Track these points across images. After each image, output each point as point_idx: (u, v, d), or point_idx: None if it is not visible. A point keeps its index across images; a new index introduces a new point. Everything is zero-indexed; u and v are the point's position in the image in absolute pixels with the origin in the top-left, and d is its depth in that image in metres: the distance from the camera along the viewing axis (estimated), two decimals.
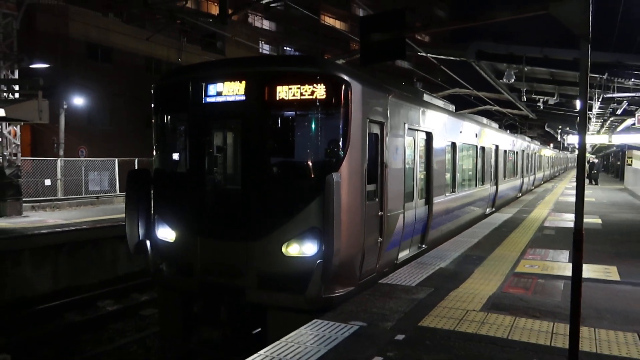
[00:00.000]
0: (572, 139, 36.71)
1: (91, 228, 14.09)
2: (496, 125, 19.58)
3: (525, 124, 41.13)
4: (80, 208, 19.62)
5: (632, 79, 13.44)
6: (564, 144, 53.00)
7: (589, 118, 21.35)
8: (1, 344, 9.07)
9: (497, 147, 17.18)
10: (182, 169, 7.49)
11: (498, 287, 7.25)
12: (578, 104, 5.90)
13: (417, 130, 9.23)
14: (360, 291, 6.86)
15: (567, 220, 14.70)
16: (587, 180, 31.94)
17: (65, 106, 24.06)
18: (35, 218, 15.96)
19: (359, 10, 58.34)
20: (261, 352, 4.83)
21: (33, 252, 12.36)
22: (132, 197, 7.47)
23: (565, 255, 9.54)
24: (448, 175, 11.40)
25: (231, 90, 6.78)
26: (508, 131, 25.40)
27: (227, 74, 6.92)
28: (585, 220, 4.51)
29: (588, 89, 4.49)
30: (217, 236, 6.84)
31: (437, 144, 10.23)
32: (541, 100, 22.17)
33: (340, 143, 6.47)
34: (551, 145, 54.08)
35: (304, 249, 6.33)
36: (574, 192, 4.44)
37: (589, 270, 8.14)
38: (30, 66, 19.55)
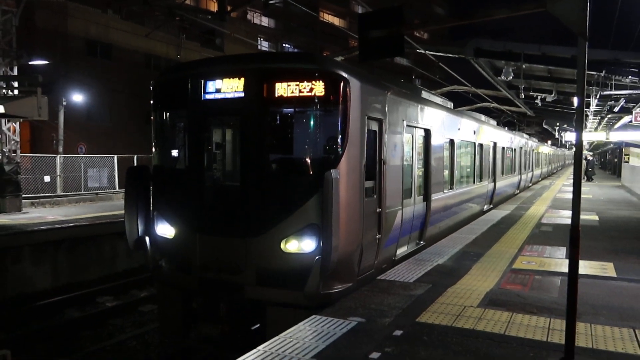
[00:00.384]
0: (570, 136, 36.80)
1: (90, 224, 14.11)
2: (494, 123, 19.61)
3: (523, 121, 41.24)
4: (79, 204, 19.63)
5: (630, 77, 13.47)
6: (561, 141, 53.12)
7: (587, 115, 21.38)
8: (1, 339, 9.10)
9: (495, 144, 17.21)
10: (181, 165, 7.51)
11: (495, 283, 7.29)
12: (575, 101, 5.93)
13: (416, 127, 9.25)
14: (359, 287, 6.90)
15: (565, 217, 14.75)
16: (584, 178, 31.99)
17: (64, 103, 24.05)
18: (35, 214, 15.97)
19: (357, 7, 58.27)
20: (260, 347, 4.87)
21: (33, 248, 12.39)
22: (131, 194, 7.49)
23: (562, 251, 9.59)
24: (446, 172, 11.44)
25: (230, 87, 6.80)
26: (506, 128, 25.44)
27: (226, 71, 6.93)
28: (582, 217, 4.54)
29: (585, 86, 4.51)
30: (216, 233, 6.87)
31: (435, 141, 10.26)
32: (539, 97, 22.23)
33: (339, 140, 6.50)
34: (549, 142, 54.19)
35: (302, 245, 6.36)
36: (572, 189, 4.47)
37: (585, 267, 8.19)
38: (30, 63, 19.51)
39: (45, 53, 23.00)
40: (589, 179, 33.85)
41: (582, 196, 4.61)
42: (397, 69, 63.09)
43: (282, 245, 6.42)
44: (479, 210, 15.64)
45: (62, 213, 16.38)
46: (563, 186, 29.45)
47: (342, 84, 6.46)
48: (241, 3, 17.07)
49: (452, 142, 11.77)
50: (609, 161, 55.80)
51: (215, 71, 7.05)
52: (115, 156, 22.39)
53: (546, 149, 44.11)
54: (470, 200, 14.25)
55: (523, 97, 20.99)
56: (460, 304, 6.27)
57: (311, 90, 6.35)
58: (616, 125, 24.36)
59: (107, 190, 22.12)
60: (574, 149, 4.75)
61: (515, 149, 22.35)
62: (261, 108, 6.68)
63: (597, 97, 15.78)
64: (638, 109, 16.92)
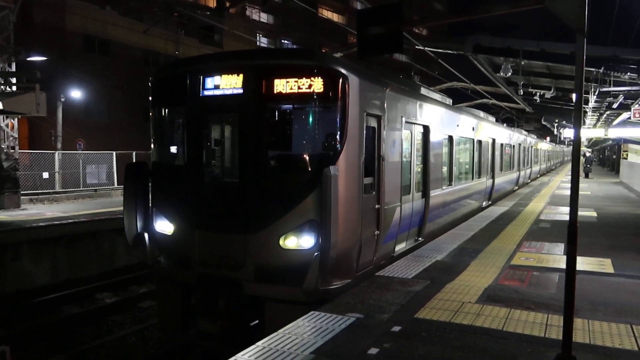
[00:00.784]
0: (569, 133, 36.80)
1: (89, 221, 14.11)
2: (493, 119, 19.61)
3: (522, 118, 41.23)
4: (78, 201, 19.63)
5: (628, 73, 13.48)
6: (560, 138, 53.11)
7: (585, 112, 21.42)
8: (1, 336, 9.12)
9: (494, 140, 17.22)
10: (180, 162, 7.50)
11: (494, 279, 7.31)
12: (574, 97, 5.94)
13: (415, 123, 9.25)
14: (358, 283, 6.92)
15: (563, 213, 14.78)
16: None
17: (62, 99, 24.00)
18: (33, 211, 15.97)
19: (356, 3, 58.15)
20: (259, 343, 4.88)
21: (31, 245, 12.39)
22: (130, 190, 7.49)
23: (560, 248, 9.61)
24: (445, 169, 11.45)
25: (229, 83, 6.79)
26: (505, 125, 25.45)
27: (225, 67, 6.92)
28: (580, 213, 4.56)
29: (584, 83, 4.52)
30: (215, 229, 6.87)
31: (434, 137, 10.26)
32: (538, 93, 22.19)
33: (338, 136, 6.50)
34: (547, 138, 54.20)
35: (301, 241, 6.37)
36: (570, 185, 4.48)
37: (583, 263, 8.21)
38: (28, 59, 19.43)
39: (43, 49, 22.91)
40: (587, 175, 33.92)
41: (580, 193, 4.62)
42: (396, 65, 63.00)
43: (280, 242, 6.43)
44: (478, 207, 15.66)
45: (61, 209, 16.37)
46: (561, 182, 29.48)
47: (340, 80, 6.46)
48: None
49: (450, 138, 11.77)
50: (608, 158, 55.86)
51: (214, 67, 7.04)
52: (114, 152, 22.38)
53: (545, 145, 44.15)
54: (469, 197, 14.27)
55: (522, 93, 20.99)
56: (458, 300, 6.29)
57: (310, 86, 6.35)
58: (615, 122, 24.42)
59: (106, 187, 22.12)
60: (573, 145, 4.76)
61: (514, 146, 22.37)
62: (260, 104, 6.68)
63: (596, 93, 15.81)
64: (637, 106, 16.94)
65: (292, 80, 6.39)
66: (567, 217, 4.59)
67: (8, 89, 16.30)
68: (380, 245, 7.67)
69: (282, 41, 52.03)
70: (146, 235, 7.47)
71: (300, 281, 6.15)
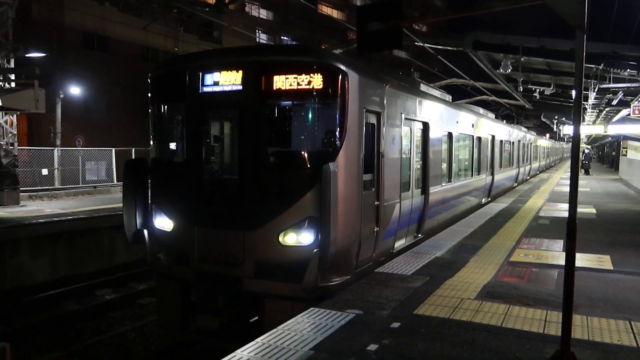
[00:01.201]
0: (568, 130, 36.80)
1: (88, 217, 14.11)
2: (492, 116, 19.62)
3: (522, 114, 41.24)
4: (77, 198, 19.62)
5: (628, 70, 13.46)
6: (559, 135, 53.13)
7: (585, 108, 21.40)
8: (0, 332, 9.12)
9: (493, 137, 17.22)
10: (180, 158, 7.50)
11: (493, 275, 7.33)
12: (574, 94, 5.93)
13: (414, 120, 9.25)
14: (357, 280, 6.92)
15: (562, 210, 14.80)
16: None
17: (61, 95, 23.95)
18: (33, 207, 15.96)
19: None
20: (258, 339, 4.90)
21: (31, 241, 12.39)
22: (129, 187, 7.48)
23: (559, 244, 9.62)
24: (444, 165, 11.45)
25: (228, 80, 6.78)
26: (504, 121, 25.44)
27: (224, 64, 6.91)
28: (579, 210, 4.56)
29: (583, 79, 4.52)
30: (215, 225, 6.88)
31: (433, 134, 10.26)
32: (537, 90, 22.19)
33: (337, 133, 6.50)
34: (547, 135, 54.23)
35: (300, 238, 6.37)
36: (569, 182, 4.48)
37: (582, 259, 8.22)
38: (26, 55, 19.39)
39: (42, 45, 22.83)
40: (587, 172, 33.92)
41: (580, 189, 4.63)
42: (395, 61, 62.90)
43: (280, 238, 6.43)
44: (477, 203, 15.68)
45: (60, 206, 16.37)
46: (561, 179, 29.51)
47: (340, 76, 6.45)
48: None
49: (450, 135, 11.77)
50: (607, 154, 55.87)
51: (213, 64, 7.03)
52: (113, 149, 22.35)
53: (544, 142, 44.17)
54: (469, 193, 14.28)
55: (521, 90, 20.99)
56: (457, 296, 6.30)
57: (309, 83, 6.35)
58: (614, 119, 24.37)
59: (105, 184, 22.12)
60: (572, 142, 4.76)
61: (513, 142, 22.37)
62: (259, 101, 6.68)
63: (596, 90, 15.78)
64: (636, 102, 16.92)
65: (291, 77, 6.38)
66: (566, 214, 4.60)
67: (7, 85, 16.26)
68: (379, 242, 7.68)
69: (282, 38, 51.91)
70: (145, 232, 7.48)
71: (299, 278, 6.16)
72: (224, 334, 6.73)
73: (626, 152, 29.81)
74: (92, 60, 28.95)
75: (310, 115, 6.69)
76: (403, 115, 8.52)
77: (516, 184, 24.27)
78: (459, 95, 25.75)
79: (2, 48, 16.21)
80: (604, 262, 8.31)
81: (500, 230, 11.32)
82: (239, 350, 4.62)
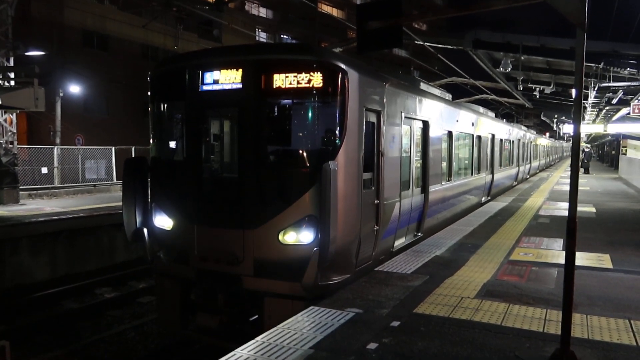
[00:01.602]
0: (568, 128, 36.81)
1: (88, 216, 14.10)
2: (492, 114, 19.61)
3: (522, 113, 41.25)
4: (77, 196, 19.61)
5: (628, 68, 13.45)
6: (559, 133, 53.14)
7: (585, 107, 21.39)
8: (0, 330, 9.12)
9: (493, 136, 17.22)
10: (179, 157, 7.49)
11: (492, 274, 7.33)
12: (573, 93, 5.93)
13: (414, 118, 9.25)
14: (357, 278, 6.92)
15: (562, 208, 14.80)
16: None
17: (61, 94, 23.93)
18: (32, 206, 15.95)
19: None
20: (258, 338, 4.89)
21: (31, 240, 12.39)
22: (129, 186, 7.48)
23: (559, 243, 9.62)
24: (444, 164, 11.44)
25: (228, 78, 6.77)
26: (504, 120, 25.44)
27: (224, 62, 6.90)
28: (579, 208, 4.56)
29: (583, 78, 4.51)
30: (214, 224, 6.87)
31: (433, 132, 10.26)
32: (537, 89, 22.18)
33: (337, 131, 6.49)
34: (547, 134, 54.23)
35: (300, 236, 6.37)
36: (569, 181, 4.48)
37: (582, 258, 8.22)
38: (26, 54, 19.40)
39: (41, 44, 22.86)
40: (586, 170, 33.93)
41: (580, 188, 4.62)
42: (395, 60, 62.88)
43: (280, 237, 6.43)
44: (477, 202, 15.68)
45: (60, 205, 16.36)
46: (560, 178, 29.50)
47: (340, 75, 6.44)
48: None
49: (450, 134, 11.77)
50: (607, 153, 55.88)
51: (213, 62, 7.02)
52: (113, 148, 22.34)
53: (544, 141, 44.17)
54: (468, 192, 14.28)
55: (521, 89, 20.97)
56: (457, 295, 6.30)
57: (309, 81, 6.34)
58: (614, 118, 24.37)
59: (105, 182, 22.10)
60: (572, 141, 4.75)
61: (513, 141, 22.36)
62: (259, 99, 6.67)
63: (596, 89, 15.78)
64: (636, 101, 16.92)
65: (291, 75, 6.37)
66: (566, 213, 4.60)
67: (6, 83, 16.25)
68: (379, 241, 7.68)
69: (282, 36, 51.87)
70: (145, 230, 7.48)
71: (299, 276, 6.16)
72: (224, 332, 6.73)
73: (626, 151, 29.82)
74: (91, 59, 28.92)
75: (310, 114, 6.69)
76: (403, 114, 8.51)
77: (516, 183, 24.27)
78: (459, 94, 25.70)
79: (1, 46, 16.20)
80: (603, 261, 8.31)
81: (500, 229, 11.32)
82: (239, 349, 4.62)
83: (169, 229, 7.31)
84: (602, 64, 13.40)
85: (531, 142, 30.70)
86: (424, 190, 9.86)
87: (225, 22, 22.53)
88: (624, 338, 4.93)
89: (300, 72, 6.35)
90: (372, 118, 7.34)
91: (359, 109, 6.78)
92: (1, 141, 16.44)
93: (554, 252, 8.92)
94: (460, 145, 13.22)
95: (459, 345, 4.72)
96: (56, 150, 20.57)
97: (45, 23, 26.94)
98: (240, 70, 6.70)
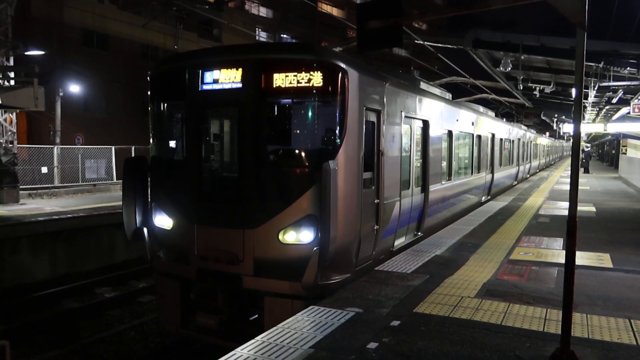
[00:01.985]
0: (568, 128, 36.83)
1: (88, 216, 14.10)
2: (492, 114, 19.60)
3: (522, 113, 41.25)
4: (77, 196, 19.61)
5: (628, 68, 13.46)
6: (559, 133, 53.13)
7: (585, 107, 21.39)
8: (0, 330, 9.12)
9: (493, 135, 17.21)
10: (179, 156, 7.49)
11: (492, 274, 7.32)
12: (574, 92, 5.93)
13: (414, 118, 9.24)
14: (357, 278, 6.92)
15: (562, 208, 14.80)
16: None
17: (61, 93, 23.93)
18: (32, 206, 15.95)
19: None
20: (258, 337, 4.89)
21: (31, 239, 12.39)
22: (129, 185, 7.47)
23: (559, 242, 9.62)
24: (444, 164, 11.44)
25: (228, 78, 6.77)
26: (504, 119, 25.45)
27: (224, 61, 6.89)
28: (579, 208, 4.55)
29: (584, 78, 4.51)
30: (214, 224, 6.87)
31: (433, 132, 10.25)
32: (537, 88, 22.19)
33: (337, 131, 6.49)
34: (547, 133, 54.23)
35: (300, 236, 6.37)
36: (569, 180, 4.48)
37: (582, 258, 8.22)
38: (26, 53, 19.41)
39: (41, 43, 22.88)
40: (586, 170, 33.94)
41: (580, 187, 4.62)
42: (395, 59, 62.88)
43: (280, 236, 6.42)
44: (477, 202, 15.67)
45: (60, 204, 16.36)
46: (560, 177, 29.50)
47: (340, 74, 6.44)
48: None
49: (450, 133, 11.77)
50: (607, 153, 55.89)
51: (213, 62, 7.01)
52: (113, 147, 22.34)
53: (544, 140, 44.17)
54: (468, 192, 14.28)
55: (521, 88, 20.99)
56: (457, 294, 6.30)
57: (309, 81, 6.33)
58: (614, 117, 24.39)
59: (105, 182, 22.10)
60: (572, 140, 4.75)
61: (513, 141, 22.36)
62: (259, 99, 6.66)
63: (596, 88, 15.79)
64: (636, 101, 16.92)
65: (291, 75, 6.36)
66: (566, 212, 4.59)
67: (6, 83, 16.25)
68: (379, 240, 7.68)
69: (282, 35, 51.85)
70: (145, 230, 7.47)
71: (299, 276, 6.16)
72: (224, 332, 6.73)
73: (626, 150, 29.82)
74: (91, 58, 28.93)
75: (310, 113, 6.68)
76: (403, 113, 8.51)
77: (516, 182, 24.27)
78: (459, 94, 25.73)
79: (1, 46, 16.20)
80: (603, 260, 8.30)
81: (500, 228, 11.32)
82: (239, 349, 4.62)
83: (169, 228, 7.31)
84: (602, 63, 13.41)
85: (531, 141, 30.70)
86: (424, 189, 9.86)
87: (225, 21, 22.56)
88: (624, 337, 4.93)
89: (300, 72, 6.34)
90: (372, 117, 7.33)
91: (359, 109, 6.77)
92: (1, 141, 16.45)
93: (554, 251, 8.91)
94: (460, 144, 13.22)
95: (459, 345, 4.72)
96: (56, 150, 20.57)
97: (45, 22, 26.95)
98: (240, 70, 6.69)
